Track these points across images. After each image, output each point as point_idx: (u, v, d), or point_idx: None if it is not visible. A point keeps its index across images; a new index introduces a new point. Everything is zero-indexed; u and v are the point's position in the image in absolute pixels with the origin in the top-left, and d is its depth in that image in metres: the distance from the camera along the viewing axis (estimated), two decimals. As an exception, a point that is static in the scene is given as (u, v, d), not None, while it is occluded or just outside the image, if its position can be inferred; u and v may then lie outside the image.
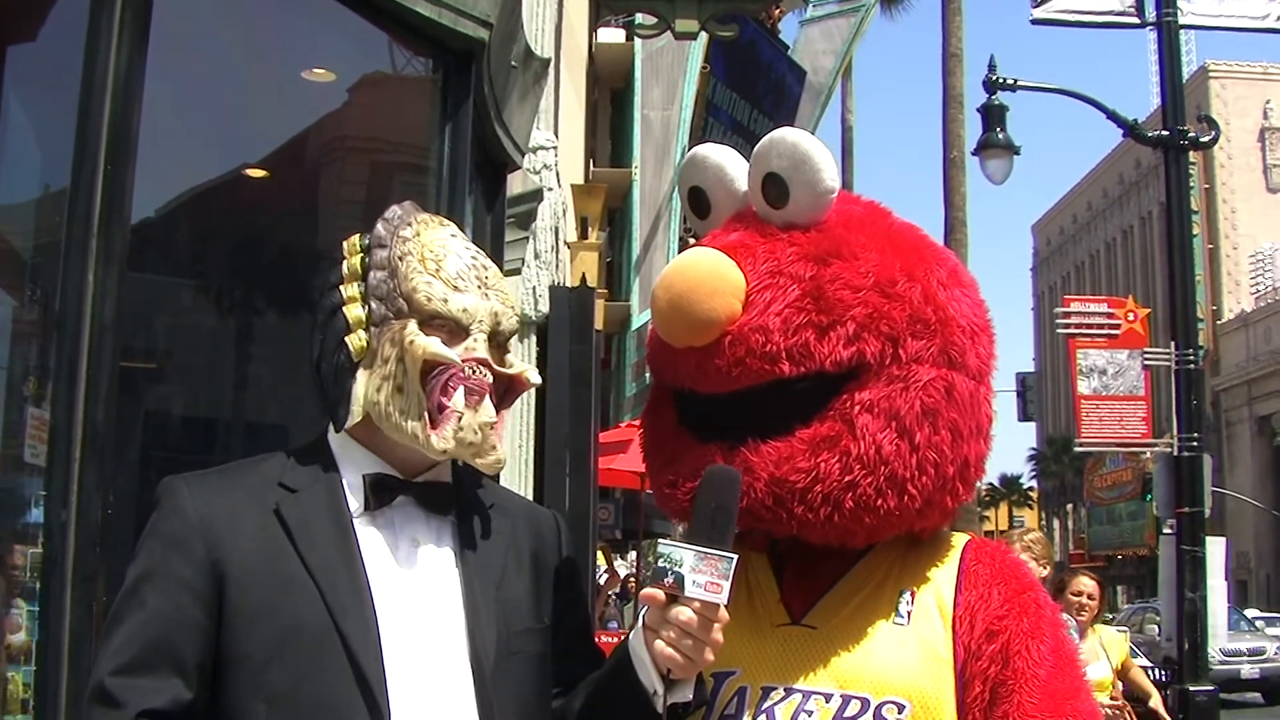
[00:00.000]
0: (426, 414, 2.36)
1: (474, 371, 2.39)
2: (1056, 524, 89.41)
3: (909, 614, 2.53)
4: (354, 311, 2.43)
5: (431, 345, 2.36)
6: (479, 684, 2.33)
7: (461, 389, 2.37)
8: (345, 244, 2.52)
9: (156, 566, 2.28)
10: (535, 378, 2.55)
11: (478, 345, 2.40)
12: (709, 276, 2.52)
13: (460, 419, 2.35)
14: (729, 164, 2.78)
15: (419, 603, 2.36)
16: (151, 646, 2.21)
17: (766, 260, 2.56)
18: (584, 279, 11.23)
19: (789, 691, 2.47)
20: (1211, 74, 70.22)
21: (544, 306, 9.29)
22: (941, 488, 2.52)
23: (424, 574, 2.40)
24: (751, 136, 24.89)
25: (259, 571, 2.28)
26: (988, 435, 2.64)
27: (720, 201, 2.78)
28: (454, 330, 2.40)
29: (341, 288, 2.46)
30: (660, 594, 2.22)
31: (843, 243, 2.58)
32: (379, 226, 2.49)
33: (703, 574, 2.20)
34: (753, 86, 25.23)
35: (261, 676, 2.22)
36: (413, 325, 2.38)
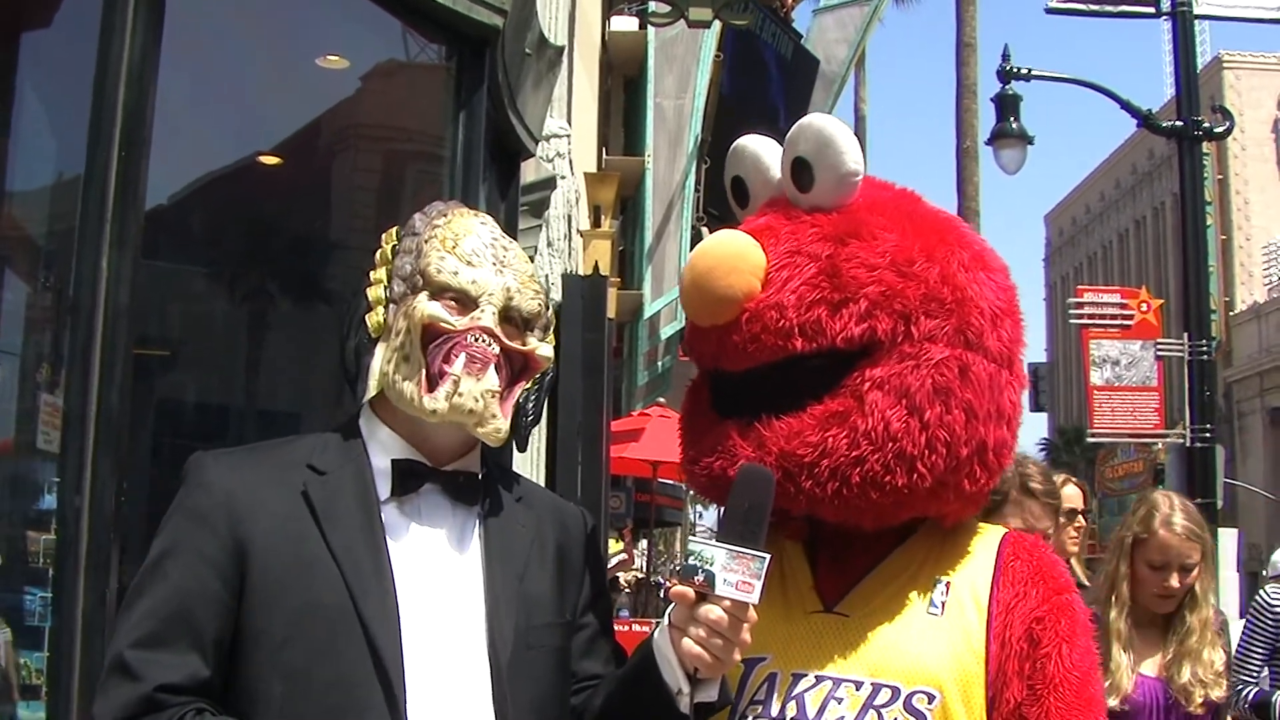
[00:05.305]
0: (424, 377, 2.37)
1: (477, 340, 2.40)
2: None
3: (943, 604, 2.53)
4: (376, 292, 2.47)
5: (430, 309, 2.39)
6: (495, 675, 2.33)
7: (463, 356, 2.38)
8: (383, 235, 2.56)
9: (180, 541, 2.29)
10: (546, 353, 2.56)
11: (483, 315, 2.41)
12: (729, 256, 2.55)
13: (458, 383, 2.36)
14: (764, 153, 2.81)
15: (440, 591, 2.36)
16: (172, 620, 2.22)
17: (787, 240, 2.58)
18: (596, 267, 11.24)
19: (820, 678, 2.47)
20: (1226, 65, 69.85)
21: (556, 295, 9.28)
22: (955, 468, 2.52)
23: (447, 563, 2.40)
24: (779, 58, 24.84)
25: (282, 550, 2.28)
26: (1012, 421, 2.63)
27: (757, 190, 2.82)
28: (464, 302, 2.42)
29: (371, 274, 2.50)
30: (690, 592, 2.21)
31: (863, 224, 2.59)
32: (415, 217, 2.54)
33: (734, 572, 2.19)
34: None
35: (279, 655, 2.23)
36: (422, 296, 2.41)
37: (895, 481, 2.47)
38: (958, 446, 2.51)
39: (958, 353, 2.53)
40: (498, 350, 2.43)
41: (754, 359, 2.54)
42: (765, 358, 2.53)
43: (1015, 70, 16.07)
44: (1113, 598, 4.76)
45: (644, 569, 25.75)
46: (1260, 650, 5.79)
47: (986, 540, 2.67)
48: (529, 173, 7.83)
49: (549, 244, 9.49)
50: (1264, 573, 11.83)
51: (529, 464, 8.29)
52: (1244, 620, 5.90)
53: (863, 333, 2.50)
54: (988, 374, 2.56)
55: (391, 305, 2.45)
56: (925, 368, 2.50)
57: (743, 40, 22.02)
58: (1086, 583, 4.94)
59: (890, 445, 2.46)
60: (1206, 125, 14.89)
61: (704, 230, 20.46)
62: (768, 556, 2.22)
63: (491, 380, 2.40)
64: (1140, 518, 4.84)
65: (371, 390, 2.44)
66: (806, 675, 2.48)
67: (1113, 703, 4.46)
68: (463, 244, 2.46)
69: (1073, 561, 5.09)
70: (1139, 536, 4.80)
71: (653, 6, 14.97)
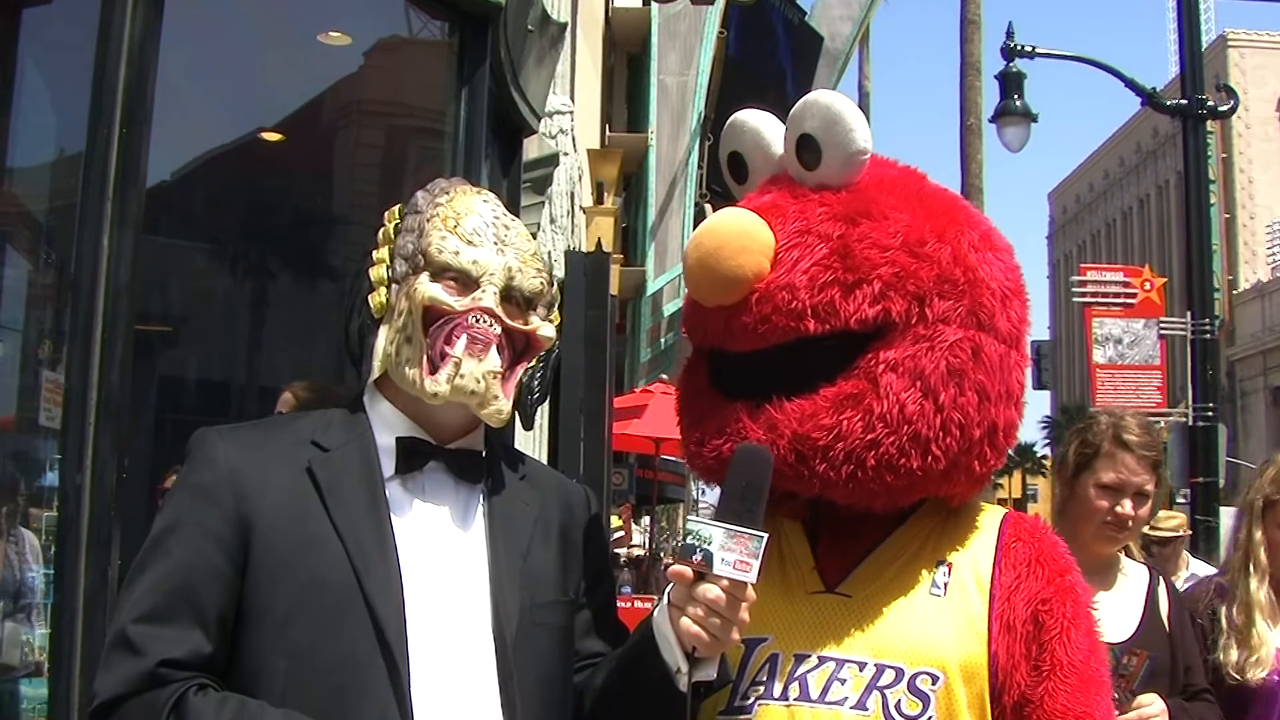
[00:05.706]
0: (426, 360, 2.36)
1: (479, 321, 2.38)
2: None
3: (945, 585, 2.52)
4: (379, 272, 2.45)
5: (431, 290, 2.37)
6: (500, 653, 2.32)
7: (464, 337, 2.37)
8: (386, 213, 2.54)
9: (184, 516, 2.28)
10: (549, 332, 2.54)
11: (484, 296, 2.40)
12: (737, 234, 2.51)
13: (459, 365, 2.35)
14: (765, 128, 2.76)
15: (444, 569, 2.36)
16: (175, 595, 2.21)
17: (796, 220, 2.54)
18: (599, 244, 11.23)
19: (822, 659, 2.46)
20: (1230, 43, 69.76)
21: (559, 271, 9.30)
22: (967, 450, 2.50)
23: (451, 541, 2.40)
24: (786, 21, 24.82)
25: (286, 527, 2.27)
26: (1019, 401, 2.61)
27: (757, 166, 2.77)
28: (465, 283, 2.40)
29: (374, 253, 2.49)
30: (688, 571, 2.20)
31: (873, 203, 2.56)
32: (418, 195, 2.51)
33: (732, 552, 2.18)
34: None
35: (283, 632, 2.22)
36: (423, 277, 2.39)
37: (910, 464, 2.45)
38: (970, 428, 2.49)
39: (970, 334, 2.51)
40: (499, 331, 2.41)
41: (764, 340, 2.50)
42: (775, 339, 2.49)
43: (1019, 48, 16.04)
44: (1250, 566, 4.35)
45: (646, 545, 25.78)
46: None
47: (987, 521, 2.65)
48: (531, 149, 7.83)
49: (552, 220, 9.48)
50: None
51: (532, 440, 8.30)
52: None
53: (877, 314, 2.47)
54: (999, 355, 2.54)
55: (394, 285, 2.44)
56: (939, 349, 2.47)
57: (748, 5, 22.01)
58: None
59: (905, 428, 2.44)
60: (1211, 104, 14.84)
61: (707, 207, 20.46)
62: (765, 536, 2.21)
63: (493, 361, 2.39)
64: (1271, 478, 4.49)
65: (375, 372, 2.44)
66: (809, 656, 2.47)
67: (1260, 674, 4.13)
68: (464, 223, 2.44)
69: None
70: (1270, 498, 4.44)
71: (656, -17, 14.95)
